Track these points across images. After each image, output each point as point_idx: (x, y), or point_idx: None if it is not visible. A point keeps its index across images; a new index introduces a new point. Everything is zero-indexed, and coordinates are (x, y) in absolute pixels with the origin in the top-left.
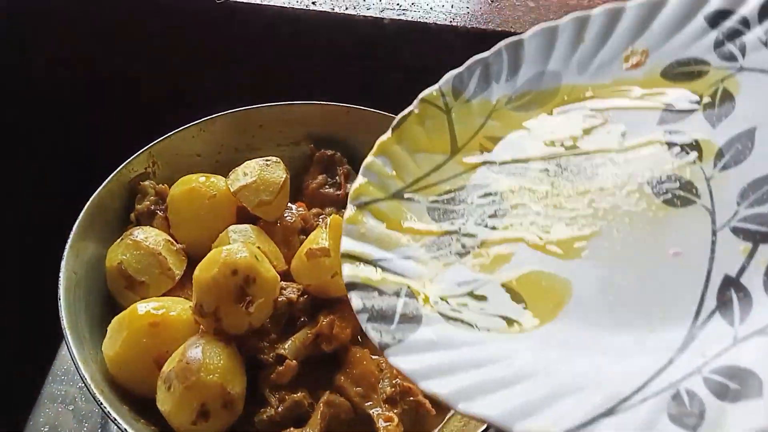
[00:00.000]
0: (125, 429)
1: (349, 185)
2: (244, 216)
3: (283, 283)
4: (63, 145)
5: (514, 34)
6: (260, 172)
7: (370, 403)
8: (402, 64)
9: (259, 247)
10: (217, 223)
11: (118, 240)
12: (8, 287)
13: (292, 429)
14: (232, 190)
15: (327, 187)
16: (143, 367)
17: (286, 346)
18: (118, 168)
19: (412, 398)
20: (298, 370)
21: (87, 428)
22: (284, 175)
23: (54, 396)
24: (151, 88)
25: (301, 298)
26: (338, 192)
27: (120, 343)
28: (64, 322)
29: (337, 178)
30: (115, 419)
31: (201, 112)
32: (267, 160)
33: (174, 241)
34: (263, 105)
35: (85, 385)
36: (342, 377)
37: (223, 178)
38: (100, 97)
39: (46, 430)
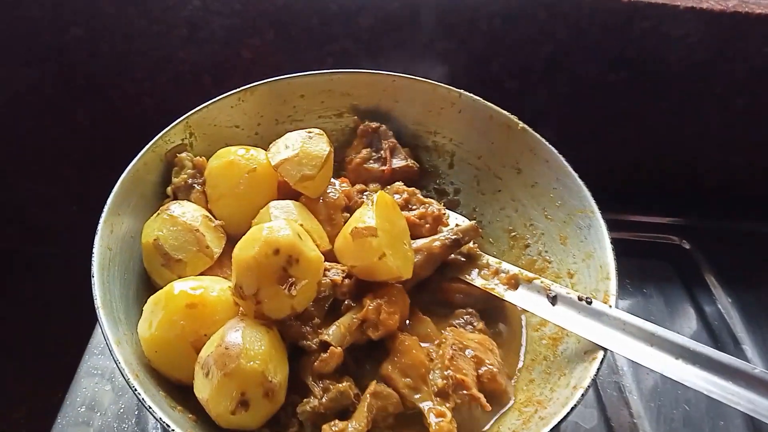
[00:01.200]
0: (160, 418)
1: (394, 161)
2: (285, 191)
3: (327, 264)
4: (100, 115)
5: None
6: (303, 144)
7: (420, 395)
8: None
9: (301, 225)
10: (258, 198)
11: (155, 215)
12: (49, 262)
13: (336, 421)
14: (273, 163)
15: (371, 162)
16: (180, 351)
17: (330, 332)
18: (154, 139)
19: (465, 392)
20: (343, 358)
21: (124, 403)
22: (328, 149)
23: (92, 371)
24: (188, 55)
25: (346, 281)
26: (383, 167)
27: (156, 325)
28: (98, 302)
29: (381, 152)
30: (150, 407)
31: (240, 80)
32: (309, 132)
33: (212, 217)
34: (304, 74)
35: (119, 369)
36: (389, 366)
37: (263, 151)
38: (134, 65)
39: (83, 405)
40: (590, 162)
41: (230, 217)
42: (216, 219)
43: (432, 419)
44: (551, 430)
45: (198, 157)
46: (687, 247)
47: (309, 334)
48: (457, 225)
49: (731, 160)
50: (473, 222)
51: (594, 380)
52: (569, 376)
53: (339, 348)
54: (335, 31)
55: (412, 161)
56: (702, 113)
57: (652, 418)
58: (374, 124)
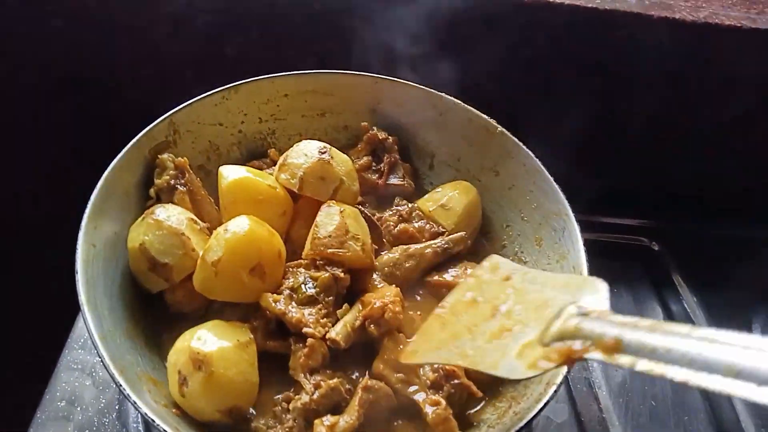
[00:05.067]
0: (146, 413)
1: (391, 177)
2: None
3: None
4: (81, 110)
5: None
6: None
7: (414, 388)
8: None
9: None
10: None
11: (140, 219)
12: (31, 257)
13: (329, 416)
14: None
15: (369, 172)
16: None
17: (337, 330)
18: (137, 136)
19: (457, 381)
20: (330, 352)
21: (105, 398)
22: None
23: (72, 366)
24: (172, 53)
25: (344, 276)
26: (378, 179)
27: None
28: (82, 298)
29: (381, 165)
30: (135, 402)
31: (224, 79)
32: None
33: (197, 220)
34: (288, 73)
35: (104, 365)
36: (381, 365)
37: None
38: (118, 61)
39: (63, 400)
40: (565, 165)
41: None
42: (202, 221)
43: (428, 409)
44: (525, 425)
45: (179, 158)
46: (656, 248)
47: (312, 323)
48: (447, 234)
49: (701, 165)
50: (463, 233)
51: (566, 377)
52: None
53: (319, 337)
54: (319, 31)
55: (409, 182)
56: (673, 119)
57: (621, 413)
58: (382, 135)
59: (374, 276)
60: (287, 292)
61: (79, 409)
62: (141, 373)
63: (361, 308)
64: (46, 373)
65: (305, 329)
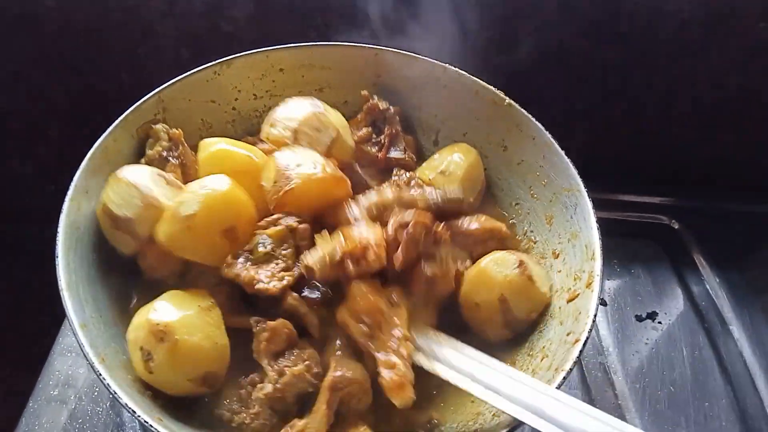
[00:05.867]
0: (126, 403)
1: (392, 150)
2: None
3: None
4: (75, 91)
5: None
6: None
7: (376, 343)
8: None
9: None
10: None
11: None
12: (26, 241)
13: (295, 421)
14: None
15: (369, 144)
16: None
17: (315, 258)
18: (124, 114)
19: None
20: (298, 330)
21: (98, 383)
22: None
23: (66, 351)
24: (167, 30)
25: (302, 226)
26: (378, 152)
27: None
28: (62, 283)
29: (382, 138)
30: (116, 392)
31: (220, 55)
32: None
33: (165, 175)
34: (283, 46)
35: (83, 353)
36: (345, 313)
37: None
38: (112, 40)
39: (58, 386)
40: (579, 140)
41: None
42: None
43: (384, 373)
44: None
45: (174, 129)
46: (676, 227)
47: (266, 278)
48: (444, 191)
49: (723, 140)
50: (461, 195)
51: (577, 362)
52: (551, 358)
53: (281, 320)
54: (317, 4)
55: (410, 155)
56: (694, 91)
57: (637, 399)
58: (383, 105)
59: (354, 210)
60: (244, 254)
61: (72, 397)
62: (126, 362)
63: (343, 241)
64: (44, 359)
65: (258, 285)
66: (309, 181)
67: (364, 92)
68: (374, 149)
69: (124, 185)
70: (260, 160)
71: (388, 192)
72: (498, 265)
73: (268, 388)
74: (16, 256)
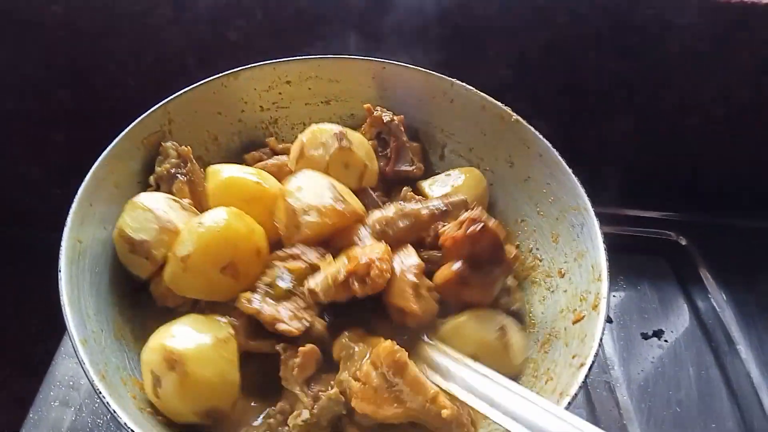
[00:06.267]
0: (125, 423)
1: (399, 164)
2: None
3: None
4: (81, 96)
5: None
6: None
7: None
8: None
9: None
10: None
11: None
12: (32, 245)
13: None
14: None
15: (377, 158)
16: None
17: (317, 282)
18: (129, 126)
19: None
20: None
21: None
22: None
23: (71, 355)
24: (174, 39)
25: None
26: (386, 167)
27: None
28: (64, 298)
29: (388, 151)
30: (115, 411)
31: (227, 65)
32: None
33: (180, 200)
34: (291, 59)
35: (83, 369)
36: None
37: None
38: (119, 48)
39: (57, 400)
40: (587, 154)
41: None
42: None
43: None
44: None
45: (183, 147)
46: (683, 243)
47: (288, 318)
48: (447, 195)
49: (732, 155)
50: (464, 197)
51: (582, 387)
52: (556, 381)
53: (310, 345)
54: (325, 13)
55: (418, 165)
56: (704, 106)
57: (642, 419)
58: (387, 117)
59: (363, 232)
60: (263, 288)
61: (74, 405)
62: (127, 377)
63: (346, 262)
64: (44, 365)
65: (278, 326)
66: (319, 227)
67: (367, 105)
68: (381, 163)
69: (140, 210)
70: (270, 187)
71: (390, 209)
72: (479, 322)
73: (306, 415)
74: (21, 259)
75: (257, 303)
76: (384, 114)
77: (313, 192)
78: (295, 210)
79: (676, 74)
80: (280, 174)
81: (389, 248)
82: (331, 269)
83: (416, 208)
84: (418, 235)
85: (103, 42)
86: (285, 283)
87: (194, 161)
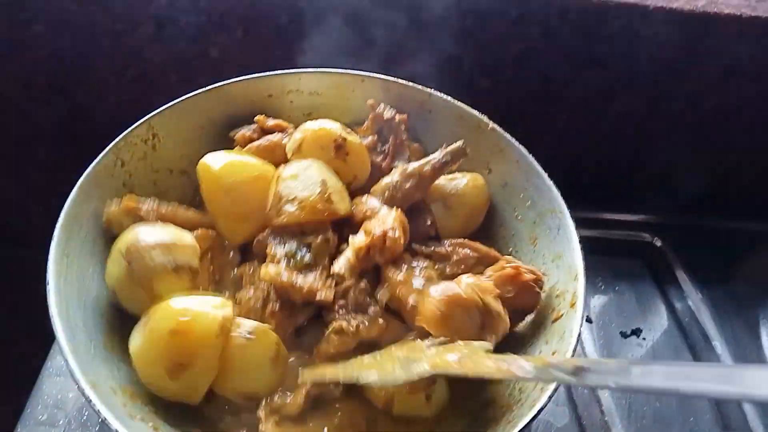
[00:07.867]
0: (116, 430)
1: (398, 161)
2: None
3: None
4: (63, 115)
5: None
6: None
7: None
8: None
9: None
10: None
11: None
12: (14, 263)
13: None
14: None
15: (374, 153)
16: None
17: (340, 264)
18: (114, 141)
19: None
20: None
21: (89, 410)
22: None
23: (57, 372)
24: (156, 56)
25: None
26: (383, 163)
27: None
28: (53, 310)
29: (387, 147)
30: (105, 419)
31: (209, 80)
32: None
33: (176, 245)
34: (271, 73)
35: (74, 379)
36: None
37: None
38: (101, 66)
39: (46, 413)
40: (562, 160)
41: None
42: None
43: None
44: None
45: (126, 199)
46: (659, 244)
47: (319, 288)
48: (445, 146)
49: (702, 160)
50: (460, 143)
51: None
52: None
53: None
54: (305, 29)
55: None
56: (673, 113)
57: (624, 415)
58: (388, 114)
59: (373, 201)
60: (283, 260)
61: (61, 421)
62: (117, 387)
63: (363, 238)
64: (30, 382)
65: (319, 295)
66: (294, 218)
67: (370, 101)
68: (379, 158)
69: (131, 278)
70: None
71: (395, 174)
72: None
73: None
74: (4, 277)
75: (286, 276)
76: (386, 111)
77: (304, 184)
78: (281, 196)
79: (645, 82)
80: (274, 156)
81: (401, 213)
82: (351, 249)
83: (418, 166)
84: (426, 190)
85: (84, 60)
86: (306, 256)
87: (142, 209)
